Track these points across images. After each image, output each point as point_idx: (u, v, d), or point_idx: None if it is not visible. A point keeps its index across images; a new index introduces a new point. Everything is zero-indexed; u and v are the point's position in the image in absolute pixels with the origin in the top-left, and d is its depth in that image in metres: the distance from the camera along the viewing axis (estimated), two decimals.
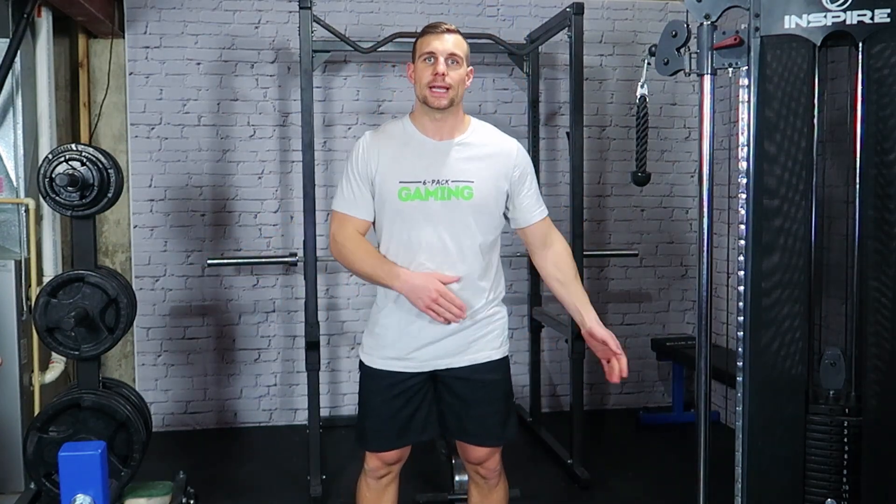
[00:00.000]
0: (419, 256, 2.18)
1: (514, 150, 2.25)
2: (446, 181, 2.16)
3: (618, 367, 2.17)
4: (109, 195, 2.69)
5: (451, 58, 2.16)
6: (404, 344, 2.23)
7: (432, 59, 2.16)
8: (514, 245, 4.48)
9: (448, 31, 2.21)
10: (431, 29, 2.22)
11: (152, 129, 4.37)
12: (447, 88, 2.14)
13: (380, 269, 2.17)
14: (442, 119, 2.19)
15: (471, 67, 2.24)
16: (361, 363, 2.32)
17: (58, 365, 3.64)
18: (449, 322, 2.15)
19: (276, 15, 4.41)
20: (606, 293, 4.79)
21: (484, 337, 2.26)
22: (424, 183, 2.16)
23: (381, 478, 2.36)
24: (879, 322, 2.16)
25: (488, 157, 2.21)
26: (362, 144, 2.24)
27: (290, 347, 4.51)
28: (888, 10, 2.10)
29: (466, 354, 2.24)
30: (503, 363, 2.31)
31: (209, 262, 4.02)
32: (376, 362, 2.28)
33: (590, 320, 2.21)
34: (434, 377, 2.28)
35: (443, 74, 2.13)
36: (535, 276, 4.47)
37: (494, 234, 2.25)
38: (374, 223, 2.25)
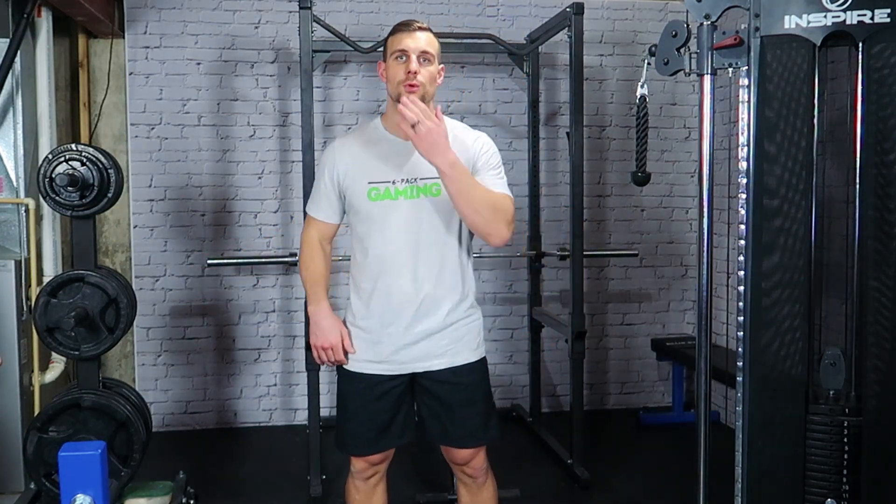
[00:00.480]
0: (392, 258, 2.19)
1: (478, 143, 2.24)
2: (415, 179, 2.17)
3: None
4: (109, 195, 2.69)
5: (423, 56, 2.15)
6: (381, 347, 2.24)
7: (404, 57, 2.15)
8: (514, 245, 4.49)
9: (420, 28, 2.19)
10: (403, 27, 2.19)
11: (152, 129, 4.37)
12: (418, 86, 2.13)
13: (310, 288, 2.30)
14: None
15: (442, 65, 2.24)
16: (338, 366, 2.33)
17: (58, 365, 3.64)
18: (323, 362, 2.29)
19: (276, 15, 4.41)
20: (606, 293, 4.79)
21: (461, 339, 2.26)
22: (394, 182, 2.17)
23: (369, 478, 2.36)
24: (879, 322, 2.16)
25: (456, 151, 2.14)
26: (331, 149, 2.28)
27: (290, 347, 4.51)
28: (888, 10, 2.10)
29: (444, 357, 2.24)
30: (481, 364, 2.32)
31: (209, 262, 4.02)
32: (354, 365, 2.28)
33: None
34: (413, 380, 2.28)
35: (415, 73, 2.13)
36: (534, 276, 4.47)
37: (466, 230, 2.25)
38: (353, 227, 2.28)
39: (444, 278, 2.21)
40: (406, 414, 2.30)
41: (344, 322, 2.32)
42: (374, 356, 2.25)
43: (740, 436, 2.29)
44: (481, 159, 2.23)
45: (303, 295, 3.38)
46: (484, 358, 2.33)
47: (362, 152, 2.23)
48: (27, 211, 3.47)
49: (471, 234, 2.27)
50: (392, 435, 2.29)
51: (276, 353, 4.52)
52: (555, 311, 4.46)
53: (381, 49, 3.84)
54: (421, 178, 2.17)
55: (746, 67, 2.24)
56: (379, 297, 2.22)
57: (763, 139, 2.21)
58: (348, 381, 2.30)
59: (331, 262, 2.36)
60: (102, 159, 2.67)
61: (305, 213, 2.39)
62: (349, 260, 2.33)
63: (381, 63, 2.25)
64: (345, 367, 2.30)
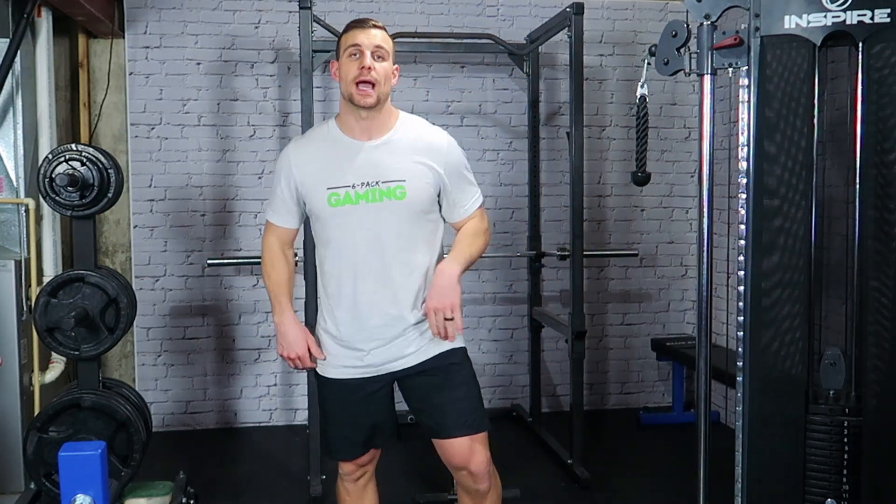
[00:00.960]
0: (358, 263, 2.13)
1: (444, 144, 2.18)
2: (377, 182, 2.10)
3: (435, 326, 2.09)
4: (109, 195, 2.69)
5: (377, 51, 2.09)
6: (354, 352, 2.19)
7: (358, 54, 2.08)
8: (513, 245, 4.49)
9: (374, 26, 2.13)
10: (357, 24, 2.14)
11: (152, 129, 4.37)
12: (374, 84, 2.06)
13: (273, 298, 2.24)
14: (369, 118, 2.12)
15: (397, 66, 2.17)
16: (316, 373, 2.28)
17: (58, 365, 3.63)
18: (297, 368, 2.26)
19: (276, 15, 4.41)
20: (606, 293, 4.79)
21: (428, 334, 2.19)
22: (354, 187, 2.10)
23: (358, 479, 2.34)
24: (879, 322, 2.16)
25: (419, 152, 2.14)
26: (285, 155, 2.21)
27: None
28: (888, 10, 2.10)
29: (419, 352, 2.18)
30: (458, 351, 2.22)
31: (209, 262, 4.02)
32: (330, 371, 2.24)
33: (439, 265, 2.14)
34: (395, 380, 2.24)
35: (369, 68, 2.05)
36: (534, 276, 4.47)
37: (433, 232, 2.20)
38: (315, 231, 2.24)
39: (413, 280, 2.15)
40: (389, 414, 2.26)
41: (315, 327, 2.28)
42: (349, 361, 2.20)
43: (740, 436, 2.29)
44: (455, 166, 2.18)
45: (303, 295, 3.38)
46: (464, 348, 2.24)
47: (318, 157, 2.16)
48: (27, 211, 3.47)
49: (442, 235, 2.23)
50: (376, 436, 2.26)
51: (275, 353, 4.49)
52: (555, 311, 4.46)
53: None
54: (384, 182, 2.10)
55: (746, 67, 2.24)
56: (346, 302, 2.16)
57: (763, 139, 2.21)
58: (326, 387, 2.26)
59: (293, 267, 2.30)
60: (102, 159, 2.67)
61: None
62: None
63: (334, 62, 2.16)
64: (322, 373, 2.25)
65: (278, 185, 2.20)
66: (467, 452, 2.19)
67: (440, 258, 2.22)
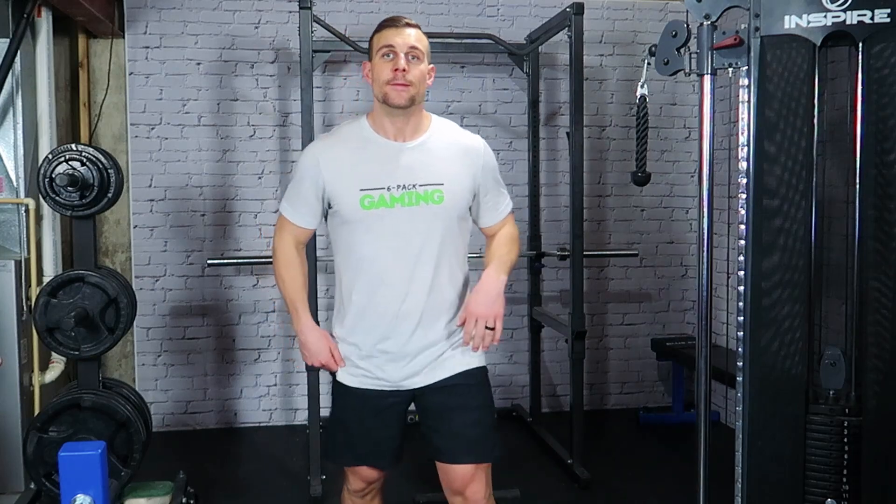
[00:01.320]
0: (387, 270, 2.02)
1: (480, 148, 2.12)
2: (413, 185, 2.00)
3: (472, 335, 2.00)
4: (109, 195, 2.69)
5: (412, 52, 1.99)
6: (375, 362, 2.08)
7: (391, 55, 1.99)
8: None
9: (408, 24, 2.02)
10: (391, 23, 2.03)
11: (152, 129, 4.37)
12: (408, 85, 1.96)
13: (291, 306, 2.12)
14: (403, 119, 2.03)
15: (432, 65, 2.07)
16: (333, 377, 2.17)
17: (58, 365, 3.64)
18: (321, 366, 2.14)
19: (276, 15, 4.41)
20: (606, 293, 4.79)
21: (458, 347, 2.10)
22: (389, 189, 1.99)
23: (365, 495, 2.27)
24: (879, 322, 2.16)
25: (455, 155, 2.07)
26: (312, 153, 2.08)
27: (290, 347, 4.51)
28: (888, 10, 2.10)
29: (442, 369, 2.08)
30: (480, 371, 2.14)
31: (209, 262, 4.02)
32: (348, 378, 2.13)
33: (483, 275, 2.05)
34: (413, 399, 2.14)
35: (403, 70, 1.96)
36: (534, 276, 4.47)
37: (464, 239, 2.13)
38: (324, 235, 2.17)
39: (444, 291, 2.06)
40: (397, 433, 2.15)
41: (331, 334, 2.17)
42: (368, 371, 2.10)
43: (740, 436, 2.29)
44: (490, 170, 2.12)
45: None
46: (485, 367, 2.15)
47: (350, 156, 2.04)
48: (27, 211, 3.47)
49: (467, 241, 2.16)
50: (378, 454, 2.15)
51: (276, 353, 4.52)
52: (555, 311, 4.46)
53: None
54: (420, 185, 2.00)
55: (746, 67, 2.24)
56: (373, 312, 2.05)
57: (763, 139, 2.21)
58: (342, 394, 2.15)
59: (307, 268, 2.20)
60: (102, 159, 2.67)
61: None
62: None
63: (366, 63, 2.09)
64: (339, 379, 2.15)
65: (301, 182, 2.06)
66: (468, 479, 2.09)
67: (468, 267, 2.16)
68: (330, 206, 2.06)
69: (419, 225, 2.01)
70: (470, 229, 2.16)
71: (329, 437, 2.25)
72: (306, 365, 3.49)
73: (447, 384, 2.08)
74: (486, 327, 1.99)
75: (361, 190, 2.00)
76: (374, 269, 2.03)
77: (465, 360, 2.10)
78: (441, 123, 2.12)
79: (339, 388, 2.16)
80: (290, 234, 2.13)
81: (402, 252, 2.01)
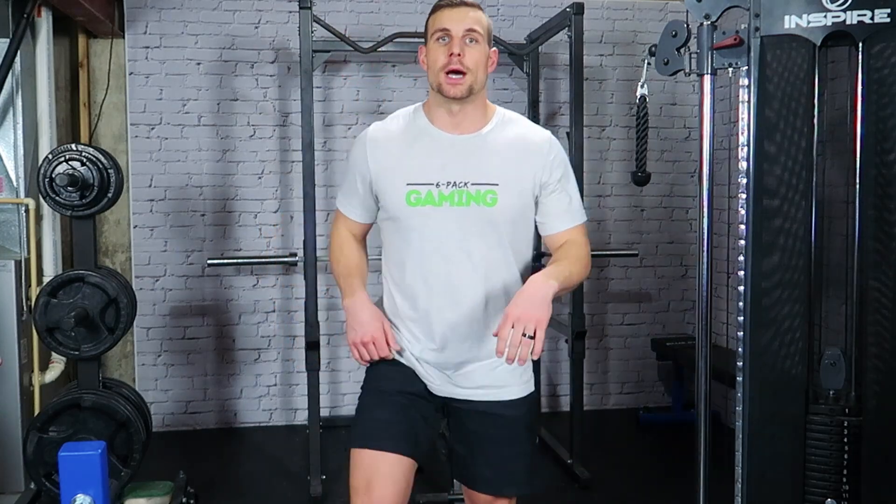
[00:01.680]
0: (433, 275, 1.84)
1: (546, 143, 1.87)
2: (465, 184, 1.80)
3: (507, 342, 1.65)
4: (109, 195, 2.69)
5: (469, 35, 1.78)
6: (417, 368, 1.91)
7: (447, 38, 1.78)
8: None
9: (465, 3, 1.82)
10: (446, 2, 1.82)
11: (152, 129, 4.37)
12: (464, 73, 1.77)
13: (343, 280, 1.93)
14: (460, 110, 1.83)
15: (494, 48, 1.87)
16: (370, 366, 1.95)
17: (58, 365, 3.64)
18: (366, 361, 1.89)
19: (276, 15, 4.41)
20: (606, 293, 4.79)
21: (510, 370, 1.87)
22: (438, 185, 1.80)
23: None
24: (879, 322, 2.16)
25: (517, 154, 1.84)
26: (363, 140, 1.91)
27: (290, 347, 4.51)
28: (888, 10, 2.10)
29: (489, 388, 1.89)
30: (529, 400, 1.94)
31: (209, 262, 4.02)
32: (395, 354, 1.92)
33: (532, 277, 1.76)
34: (446, 406, 1.94)
35: (458, 55, 1.76)
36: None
37: (526, 247, 1.92)
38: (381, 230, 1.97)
39: (498, 302, 1.85)
40: (428, 430, 1.92)
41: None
42: (418, 353, 1.91)
43: (740, 436, 2.29)
44: (555, 172, 1.87)
45: (303, 295, 3.38)
46: (533, 393, 1.96)
47: (400, 147, 1.86)
48: (27, 211, 3.47)
49: (531, 248, 1.95)
50: (413, 438, 1.85)
51: (276, 353, 4.52)
52: (554, 311, 4.45)
53: (382, 49, 3.82)
54: (473, 184, 1.80)
55: (746, 67, 2.24)
56: (421, 321, 1.87)
57: (763, 139, 2.21)
58: (383, 366, 1.91)
59: (367, 256, 2.01)
60: (102, 159, 2.67)
61: (330, 212, 2.24)
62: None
63: (422, 48, 1.87)
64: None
65: (352, 174, 1.92)
66: None
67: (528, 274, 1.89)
68: (377, 200, 1.90)
69: (470, 228, 1.82)
70: (532, 237, 1.93)
71: (357, 422, 1.91)
72: (307, 364, 3.49)
73: (491, 410, 1.89)
74: (525, 335, 1.65)
75: (408, 185, 1.81)
76: (421, 275, 1.85)
77: (513, 388, 1.90)
78: (506, 116, 1.90)
79: (380, 365, 1.92)
80: (344, 226, 1.99)
81: (450, 257, 1.82)
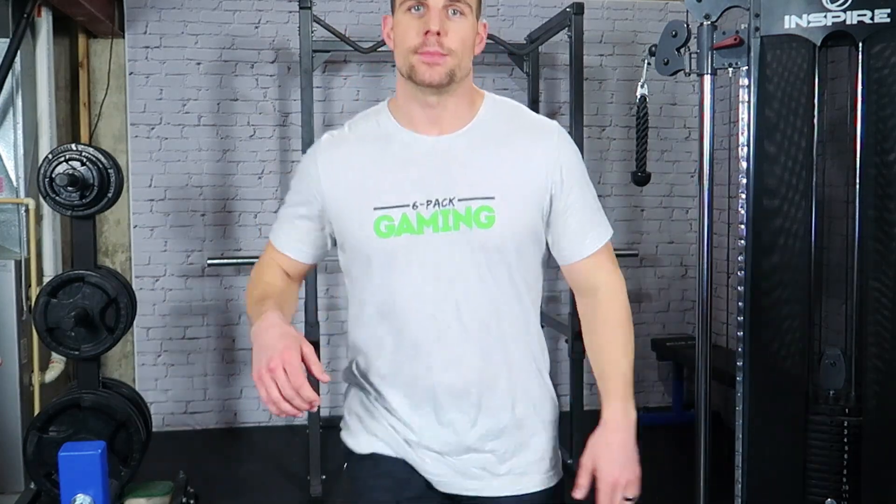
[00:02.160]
0: (416, 328, 1.36)
1: (553, 136, 1.39)
2: (450, 200, 1.33)
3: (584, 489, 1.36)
4: (109, 195, 2.69)
5: (453, 5, 1.31)
6: (413, 454, 1.42)
7: (421, 8, 1.31)
8: None
9: None
10: None
11: (152, 129, 4.37)
12: (445, 55, 1.30)
13: (255, 308, 1.38)
14: (439, 102, 1.35)
15: (485, 22, 1.42)
16: (345, 445, 1.52)
17: (58, 365, 3.64)
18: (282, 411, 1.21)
19: (276, 15, 4.41)
20: None
21: (529, 449, 1.43)
22: (416, 206, 1.33)
23: None
24: (879, 322, 2.16)
25: (517, 153, 1.37)
26: (313, 155, 1.44)
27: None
28: (888, 10, 2.10)
29: (503, 477, 1.41)
30: (557, 488, 1.48)
31: (209, 262, 4.02)
32: (364, 445, 1.46)
33: (607, 413, 1.39)
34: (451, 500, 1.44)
35: (437, 34, 1.29)
36: None
37: (537, 279, 1.44)
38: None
39: (508, 359, 1.39)
40: None
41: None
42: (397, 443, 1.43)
43: (740, 436, 2.29)
44: (571, 170, 1.40)
45: (302, 294, 3.38)
46: (562, 480, 1.49)
47: (361, 161, 1.39)
48: (27, 211, 3.47)
49: (541, 279, 1.47)
50: None
51: None
52: (555, 311, 4.46)
53: (382, 49, 3.80)
54: (461, 199, 1.33)
55: (746, 67, 2.24)
56: (405, 390, 1.39)
57: (763, 139, 2.21)
58: (359, 463, 1.47)
59: (295, 300, 1.52)
60: (102, 159, 2.67)
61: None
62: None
63: (387, 18, 1.43)
64: (351, 447, 1.49)
65: (296, 198, 1.45)
66: None
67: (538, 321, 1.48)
68: (333, 236, 1.44)
69: (463, 260, 1.34)
70: (543, 262, 1.46)
71: None
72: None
73: None
74: (625, 499, 1.37)
75: (377, 209, 1.34)
76: (399, 326, 1.37)
77: (536, 475, 1.44)
78: (498, 104, 1.43)
79: (353, 459, 1.49)
80: (273, 260, 1.48)
81: (441, 301, 1.35)
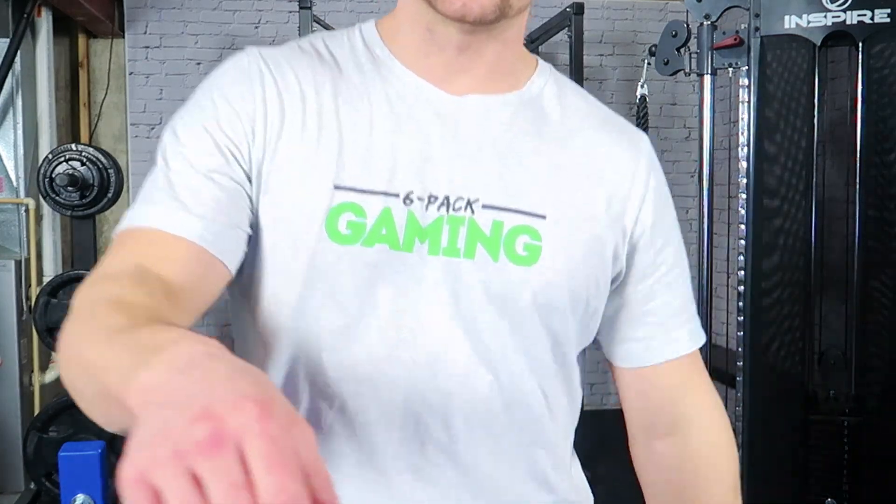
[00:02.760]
0: (370, 430, 0.74)
1: (644, 156, 0.84)
2: (468, 203, 0.74)
3: None
4: (109, 195, 2.69)
5: None
6: None
7: None
8: None
9: None
10: None
11: (152, 129, 4.37)
12: None
13: (109, 354, 0.55)
14: (475, 47, 0.76)
15: None
16: None
17: (58, 365, 3.64)
18: None
19: (276, 15, 4.41)
20: None
21: None
22: (408, 200, 0.73)
23: None
24: (879, 322, 2.16)
25: (589, 158, 0.81)
26: (257, 58, 0.77)
27: None
28: (888, 10, 2.10)
29: None
30: None
31: None
32: None
33: None
34: None
35: None
36: None
37: (574, 371, 0.87)
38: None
39: (531, 467, 0.83)
40: None
41: None
42: None
43: (740, 436, 2.29)
44: (663, 216, 0.83)
45: None
46: None
47: (331, 100, 0.76)
48: (27, 211, 3.47)
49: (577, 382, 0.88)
50: None
51: None
52: None
53: None
54: (486, 205, 0.75)
55: (746, 67, 2.25)
56: None
57: (763, 139, 2.21)
58: None
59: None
60: (102, 159, 2.67)
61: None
62: None
63: None
64: None
65: (205, 137, 0.74)
66: None
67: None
68: (255, 206, 0.74)
69: (470, 314, 0.75)
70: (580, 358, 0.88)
71: None
72: None
73: None
74: None
75: (338, 188, 0.73)
76: (342, 428, 0.74)
77: None
78: (562, 81, 0.87)
79: None
80: (140, 266, 0.69)
81: (423, 392, 0.74)
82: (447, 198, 0.74)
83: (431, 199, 0.74)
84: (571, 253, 0.76)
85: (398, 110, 0.76)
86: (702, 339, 0.90)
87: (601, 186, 0.79)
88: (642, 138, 0.86)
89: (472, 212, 0.74)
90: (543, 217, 0.75)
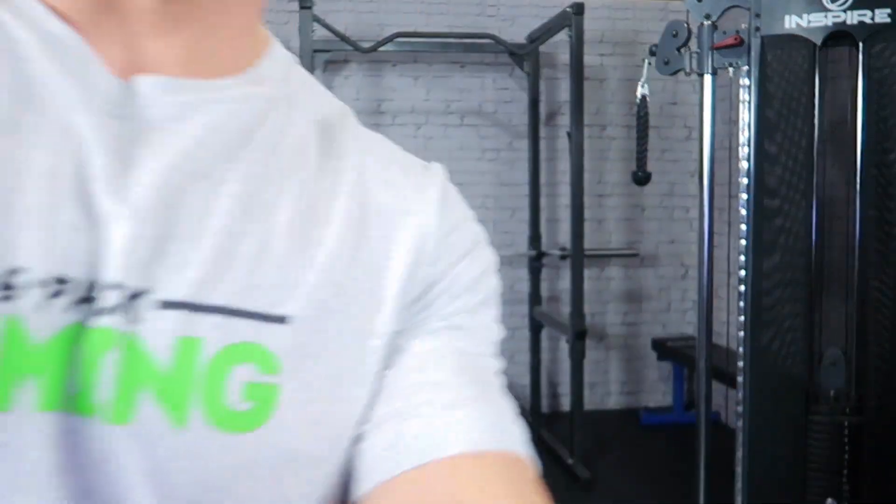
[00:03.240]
0: None
1: (434, 192, 0.48)
2: (135, 295, 0.36)
3: None
4: None
5: None
6: None
7: None
8: (513, 245, 4.48)
9: None
10: None
11: None
12: None
13: None
14: (159, 7, 0.39)
15: None
16: None
17: None
18: None
19: (276, 15, 4.41)
20: (607, 293, 4.79)
21: None
22: (8, 287, 0.34)
23: None
24: (879, 322, 2.16)
25: (351, 212, 0.45)
26: None
27: None
28: (888, 10, 2.10)
29: None
30: None
31: None
32: None
33: None
34: None
35: None
36: (535, 276, 4.47)
37: None
38: None
39: None
40: None
41: None
42: None
43: (740, 436, 2.29)
44: (476, 294, 0.51)
45: None
46: None
47: None
48: None
49: None
50: None
51: None
52: (555, 311, 4.46)
53: (382, 49, 3.80)
54: (167, 301, 0.37)
55: (747, 67, 2.24)
56: None
57: (763, 139, 2.21)
58: None
59: None
60: None
61: None
62: None
63: None
64: None
65: None
66: None
67: None
68: None
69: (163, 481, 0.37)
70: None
71: None
72: None
73: None
74: None
75: None
76: None
77: None
78: (304, 77, 0.50)
79: None
80: None
81: None
82: (90, 280, 0.37)
83: (60, 282, 0.36)
84: (318, 394, 0.43)
85: (40, 100, 0.39)
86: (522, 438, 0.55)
87: (365, 253, 0.47)
88: (434, 172, 0.52)
89: (135, 312, 0.37)
90: (287, 321, 0.41)
